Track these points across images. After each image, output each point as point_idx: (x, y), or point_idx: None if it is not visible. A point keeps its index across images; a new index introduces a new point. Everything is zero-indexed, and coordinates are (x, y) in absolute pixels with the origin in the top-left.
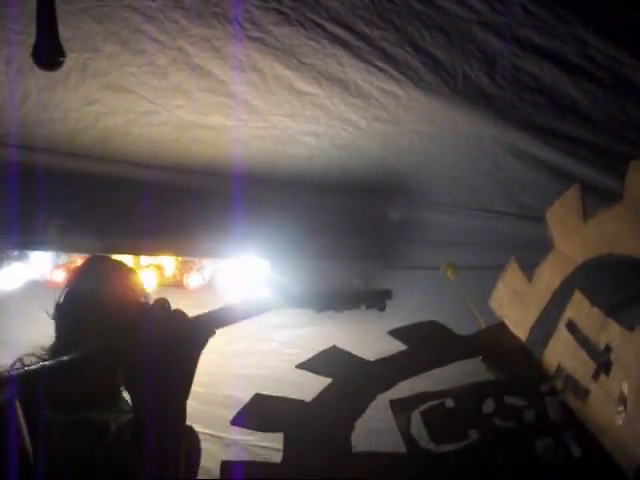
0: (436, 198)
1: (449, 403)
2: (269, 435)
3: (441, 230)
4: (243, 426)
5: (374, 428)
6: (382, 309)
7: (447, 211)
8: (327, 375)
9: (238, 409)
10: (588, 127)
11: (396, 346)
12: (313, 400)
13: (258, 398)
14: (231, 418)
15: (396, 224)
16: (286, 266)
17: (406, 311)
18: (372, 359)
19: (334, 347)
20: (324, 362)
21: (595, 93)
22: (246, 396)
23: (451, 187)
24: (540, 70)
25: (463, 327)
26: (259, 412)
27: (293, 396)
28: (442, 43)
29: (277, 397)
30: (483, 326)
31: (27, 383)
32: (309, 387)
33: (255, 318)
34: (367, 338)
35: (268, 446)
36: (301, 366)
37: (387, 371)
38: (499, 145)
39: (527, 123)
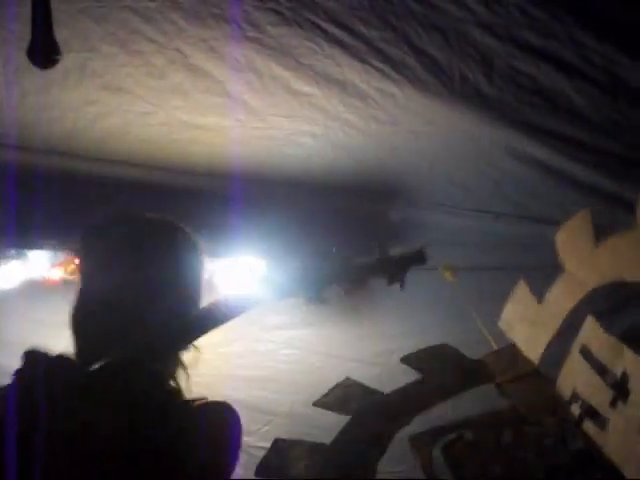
0: (433, 198)
1: (468, 435)
2: (267, 436)
3: (438, 230)
4: (266, 477)
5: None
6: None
7: (444, 211)
8: (343, 413)
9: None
10: (584, 127)
11: (394, 346)
12: (332, 444)
13: (279, 443)
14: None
15: (393, 224)
16: (283, 265)
17: (403, 312)
18: (370, 359)
19: (347, 379)
20: (339, 398)
21: (591, 94)
22: (244, 397)
23: (448, 187)
24: (537, 71)
25: (461, 328)
26: (280, 459)
27: (291, 396)
28: (439, 43)
29: (297, 441)
30: (481, 328)
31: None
32: (307, 388)
33: (250, 316)
34: (365, 338)
35: (265, 447)
36: (317, 404)
37: (403, 405)
38: (496, 145)
39: (524, 123)
